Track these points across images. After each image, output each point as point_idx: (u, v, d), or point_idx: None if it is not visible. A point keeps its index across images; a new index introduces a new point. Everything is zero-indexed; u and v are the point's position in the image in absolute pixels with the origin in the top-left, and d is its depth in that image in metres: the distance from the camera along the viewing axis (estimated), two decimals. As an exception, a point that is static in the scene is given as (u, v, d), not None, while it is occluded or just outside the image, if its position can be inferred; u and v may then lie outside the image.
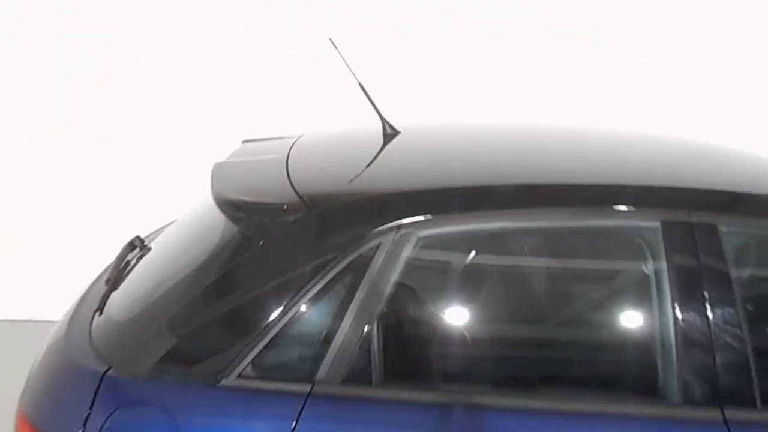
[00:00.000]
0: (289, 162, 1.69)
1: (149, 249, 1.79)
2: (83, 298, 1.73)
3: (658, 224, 1.42)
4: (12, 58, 3.42)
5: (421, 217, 1.41)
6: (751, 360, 1.37)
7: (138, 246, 1.84)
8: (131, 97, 3.49)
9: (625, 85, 3.61)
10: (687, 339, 1.36)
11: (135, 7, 3.38)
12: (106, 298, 1.61)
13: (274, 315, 1.35)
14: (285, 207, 1.45)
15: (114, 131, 3.54)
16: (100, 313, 1.57)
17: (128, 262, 1.77)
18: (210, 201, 1.65)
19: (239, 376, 1.35)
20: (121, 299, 1.58)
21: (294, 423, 1.32)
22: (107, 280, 1.68)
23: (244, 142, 2.07)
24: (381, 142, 1.81)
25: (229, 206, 1.50)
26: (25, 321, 3.52)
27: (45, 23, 3.37)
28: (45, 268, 3.56)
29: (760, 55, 3.88)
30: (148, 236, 2.01)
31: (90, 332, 1.51)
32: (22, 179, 3.57)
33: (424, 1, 3.51)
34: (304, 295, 1.36)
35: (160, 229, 2.13)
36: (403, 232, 1.38)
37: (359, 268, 1.36)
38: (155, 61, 3.46)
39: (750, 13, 3.78)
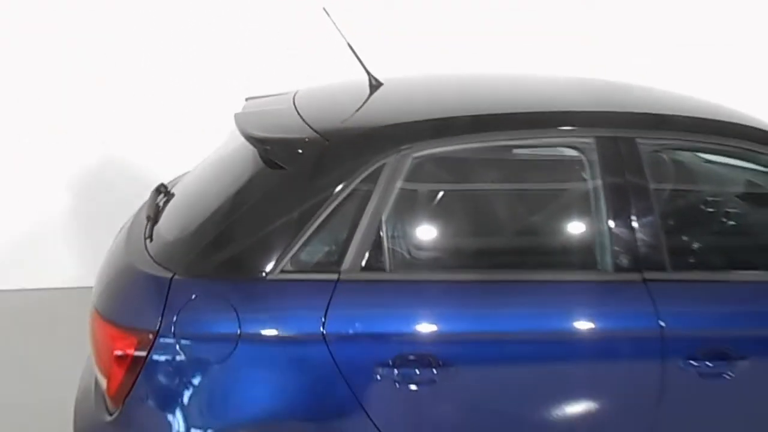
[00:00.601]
0: (297, 108, 2.05)
1: (173, 194, 2.12)
2: (127, 232, 2.05)
3: (593, 139, 1.87)
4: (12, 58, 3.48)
5: (414, 143, 1.81)
6: (662, 237, 1.85)
7: (162, 192, 2.17)
8: (131, 97, 3.58)
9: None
10: (617, 218, 1.82)
11: (129, 8, 3.48)
12: (152, 227, 1.94)
13: (307, 222, 1.73)
14: (306, 140, 1.81)
15: (114, 130, 3.64)
16: (151, 239, 1.90)
17: (158, 204, 2.09)
18: (234, 143, 1.99)
19: (282, 271, 1.71)
20: (167, 225, 1.92)
21: (327, 304, 1.70)
22: (147, 216, 2.01)
23: (247, 99, 2.39)
24: (368, 91, 2.19)
25: (259, 142, 1.86)
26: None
27: (45, 23, 3.46)
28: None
29: (758, 55, 4.08)
30: (169, 182, 2.34)
31: (147, 250, 1.84)
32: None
33: (423, 1, 3.63)
34: (329, 206, 1.72)
35: (176, 178, 2.45)
36: (401, 153, 1.77)
37: (370, 182, 1.74)
38: (155, 61, 3.56)
39: (748, 13, 4.01)
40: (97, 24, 3.47)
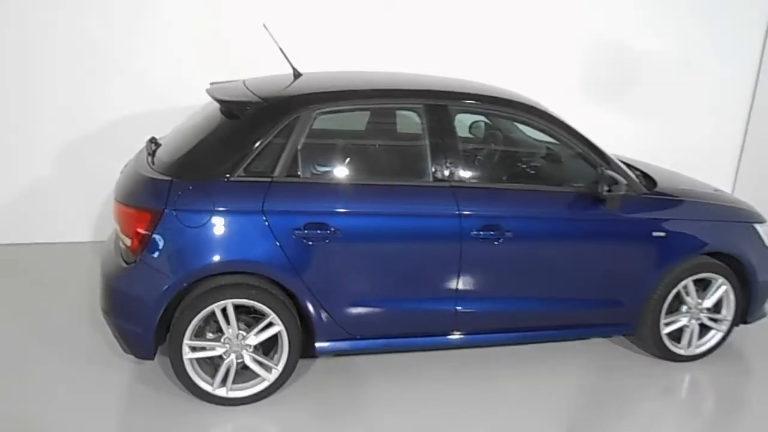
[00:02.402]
0: (246, 86, 3.28)
1: (161, 143, 3.30)
2: (134, 161, 3.22)
3: (422, 105, 3.19)
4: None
5: (317, 104, 3.07)
6: (461, 161, 3.17)
7: (154, 142, 3.34)
8: (133, 84, 4.71)
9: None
10: (435, 151, 3.13)
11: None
12: (153, 153, 3.12)
13: (254, 146, 2.94)
14: (252, 101, 3.04)
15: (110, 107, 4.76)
16: (153, 162, 3.07)
17: (154, 142, 3.26)
18: (207, 106, 3.21)
19: (238, 176, 2.91)
20: (164, 153, 3.09)
21: (265, 194, 2.91)
22: (149, 148, 3.18)
23: (211, 83, 3.59)
24: (293, 78, 3.45)
25: (223, 103, 3.07)
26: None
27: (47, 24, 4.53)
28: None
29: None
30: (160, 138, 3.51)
31: (153, 166, 3.01)
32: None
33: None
34: (266, 140, 2.94)
35: (164, 135, 3.61)
36: (308, 109, 3.03)
37: (291, 126, 2.98)
38: (157, 63, 4.71)
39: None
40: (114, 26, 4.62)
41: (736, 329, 3.80)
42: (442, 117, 3.18)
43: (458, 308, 3.19)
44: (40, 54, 4.58)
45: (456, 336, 3.29)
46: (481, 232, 3.10)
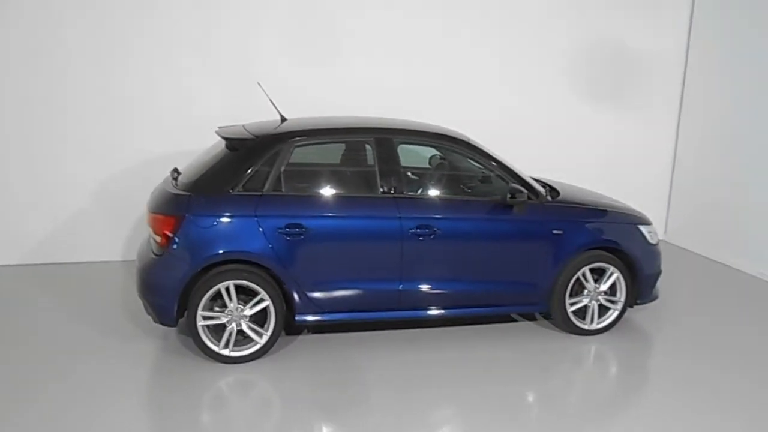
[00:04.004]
0: (245, 127, 4.45)
1: (181, 173, 4.44)
2: (162, 185, 4.35)
3: (372, 139, 4.33)
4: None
5: (294, 138, 4.22)
6: (402, 179, 4.28)
7: (176, 171, 4.48)
8: (159, 125, 5.94)
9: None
10: (382, 171, 4.24)
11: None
12: (176, 178, 4.25)
13: (249, 170, 4.07)
14: (246, 138, 4.20)
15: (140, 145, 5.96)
16: (176, 182, 4.20)
17: (176, 171, 4.41)
18: (217, 144, 4.38)
19: (238, 191, 4.03)
20: (185, 177, 4.22)
21: (257, 203, 4.02)
22: (173, 171, 4.33)
23: (219, 127, 4.75)
24: (280, 121, 4.61)
25: (227, 139, 4.23)
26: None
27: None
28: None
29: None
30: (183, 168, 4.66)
31: (176, 186, 4.13)
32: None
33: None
34: (257, 165, 4.07)
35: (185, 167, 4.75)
36: (288, 144, 4.17)
37: (275, 156, 4.12)
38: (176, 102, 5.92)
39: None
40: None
41: (632, 309, 4.82)
42: (388, 147, 4.32)
43: (401, 287, 4.25)
44: (73, 105, 5.81)
45: (404, 312, 4.33)
46: (417, 230, 4.19)
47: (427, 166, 4.97)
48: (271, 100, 4.71)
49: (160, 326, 4.22)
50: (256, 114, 4.97)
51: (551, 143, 6.97)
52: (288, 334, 4.49)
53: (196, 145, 5.01)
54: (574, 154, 7.03)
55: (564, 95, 6.97)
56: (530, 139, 6.84)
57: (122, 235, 6.11)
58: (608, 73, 7.05)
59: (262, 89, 4.79)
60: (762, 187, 6.30)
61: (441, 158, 4.87)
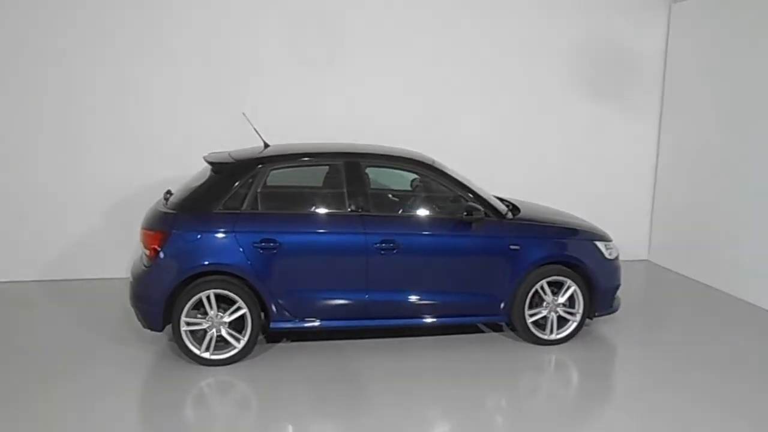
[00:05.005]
0: (230, 153, 4.95)
1: (173, 193, 4.94)
2: (154, 205, 4.85)
3: (342, 163, 4.78)
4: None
5: (270, 163, 4.69)
6: (369, 199, 4.71)
7: (168, 192, 4.99)
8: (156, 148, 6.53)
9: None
10: (350, 192, 4.67)
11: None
12: (167, 198, 4.75)
13: (228, 192, 4.54)
14: (228, 162, 4.69)
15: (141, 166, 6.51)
16: (167, 201, 4.69)
17: (168, 192, 4.91)
18: (201, 169, 4.88)
19: (218, 210, 4.50)
20: (175, 197, 4.71)
21: (236, 221, 4.48)
22: (165, 196, 4.82)
23: (210, 153, 5.27)
24: (262, 147, 5.11)
25: (211, 164, 4.73)
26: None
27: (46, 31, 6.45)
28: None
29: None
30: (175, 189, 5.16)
31: (166, 206, 4.63)
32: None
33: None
34: (237, 186, 4.55)
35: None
36: (265, 166, 4.65)
37: (252, 177, 4.59)
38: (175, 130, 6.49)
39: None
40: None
41: (599, 322, 5.11)
42: (356, 170, 4.76)
43: (367, 297, 4.64)
44: (84, 136, 6.39)
45: (371, 320, 4.72)
46: (381, 245, 4.59)
47: (408, 188, 5.37)
48: (255, 129, 5.21)
49: (150, 332, 4.67)
50: (256, 140, 5.47)
51: (535, 173, 7.35)
52: (268, 342, 4.90)
53: (197, 171, 5.51)
54: (563, 182, 7.40)
55: (549, 126, 7.36)
56: (509, 160, 7.23)
57: (128, 254, 6.64)
58: (589, 99, 7.43)
59: (247, 119, 5.30)
60: (740, 209, 6.55)
61: (420, 181, 5.29)
